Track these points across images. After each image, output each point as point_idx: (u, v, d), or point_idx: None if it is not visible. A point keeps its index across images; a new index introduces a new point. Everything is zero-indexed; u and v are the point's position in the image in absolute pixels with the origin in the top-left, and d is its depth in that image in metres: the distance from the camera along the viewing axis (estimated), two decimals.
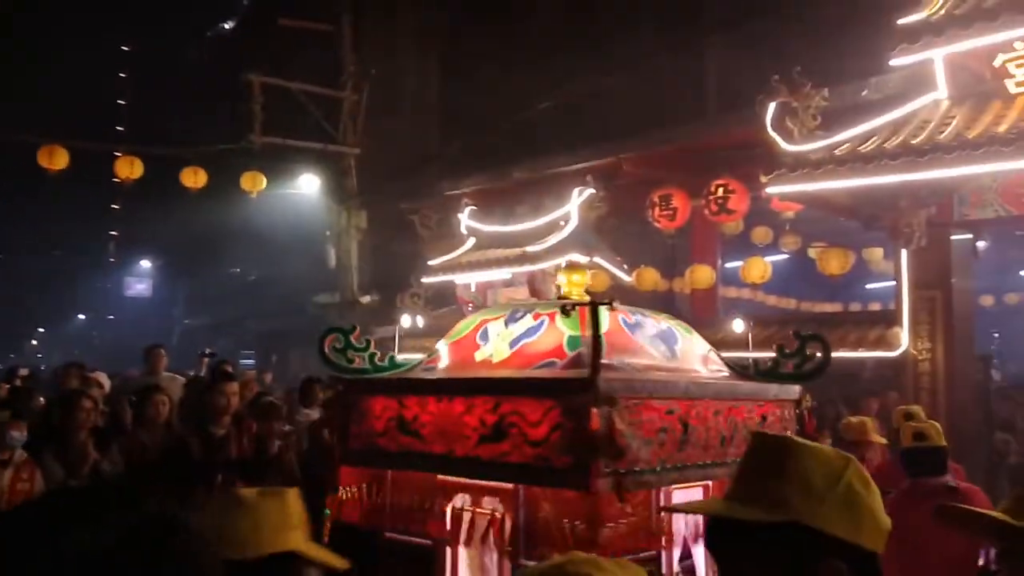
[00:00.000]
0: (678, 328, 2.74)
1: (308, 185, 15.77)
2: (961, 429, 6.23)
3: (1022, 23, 5.49)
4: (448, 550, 2.51)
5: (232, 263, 31.54)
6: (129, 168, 12.38)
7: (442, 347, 2.79)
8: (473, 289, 11.90)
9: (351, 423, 2.69)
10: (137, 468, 4.96)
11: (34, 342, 43.39)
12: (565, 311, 2.34)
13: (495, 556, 2.38)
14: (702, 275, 9.70)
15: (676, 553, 2.40)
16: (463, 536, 2.46)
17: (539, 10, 14.82)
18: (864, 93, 7.13)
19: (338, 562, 1.74)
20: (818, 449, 1.22)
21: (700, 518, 2.32)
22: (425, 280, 12.45)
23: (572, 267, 2.85)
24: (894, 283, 6.92)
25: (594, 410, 2.02)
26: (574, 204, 10.66)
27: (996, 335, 16.67)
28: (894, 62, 6.16)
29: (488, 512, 2.36)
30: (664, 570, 2.30)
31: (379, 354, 2.76)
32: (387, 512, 2.62)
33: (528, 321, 2.54)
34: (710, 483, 2.45)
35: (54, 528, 0.82)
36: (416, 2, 15.96)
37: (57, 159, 11.40)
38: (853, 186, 6.04)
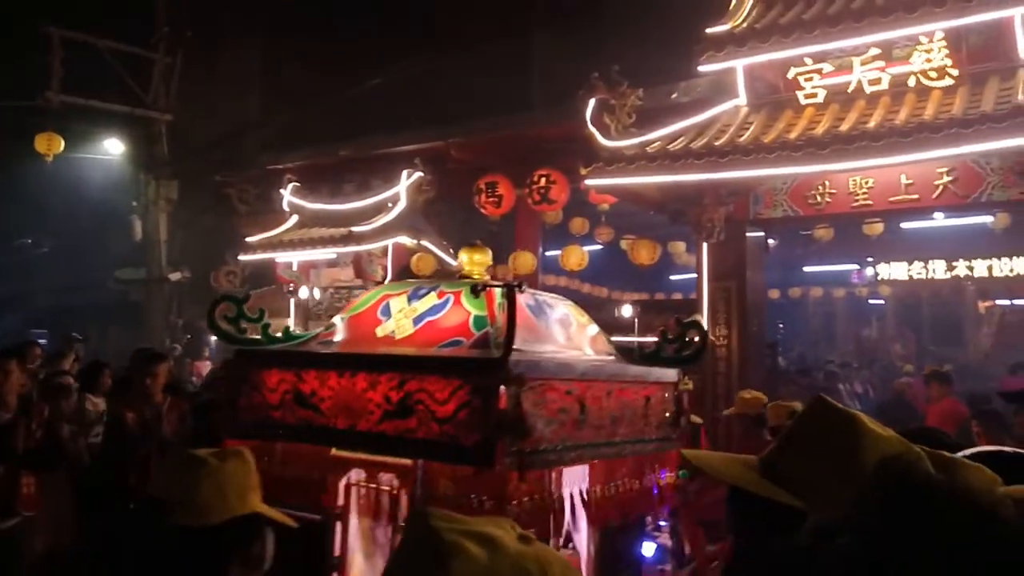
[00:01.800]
0: (573, 312, 2.81)
1: (113, 150, 14.50)
2: None
3: (811, 41, 6.06)
4: (339, 524, 2.53)
5: (21, 232, 28.42)
6: None
7: (338, 321, 2.74)
8: (295, 268, 11.49)
9: (241, 395, 2.60)
10: None
11: None
12: (475, 291, 2.30)
13: (388, 530, 2.43)
14: (525, 261, 9.94)
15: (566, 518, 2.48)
16: (356, 509, 2.48)
17: None
18: (674, 96, 7.59)
19: (289, 521, 1.79)
20: (882, 436, 1.14)
21: (579, 496, 2.48)
22: (242, 258, 11.85)
23: (474, 247, 2.82)
24: (695, 275, 7.43)
25: (502, 390, 2.04)
26: (403, 186, 10.55)
27: (781, 325, 18.45)
28: (702, 68, 6.59)
29: (384, 487, 2.39)
30: (552, 544, 2.32)
31: (273, 325, 2.69)
32: (276, 485, 2.47)
33: (432, 299, 2.52)
34: (590, 464, 2.52)
35: None
36: None
37: None
38: (662, 182, 6.42)
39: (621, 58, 7.67)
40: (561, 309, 2.73)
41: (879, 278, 15.28)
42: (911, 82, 5.99)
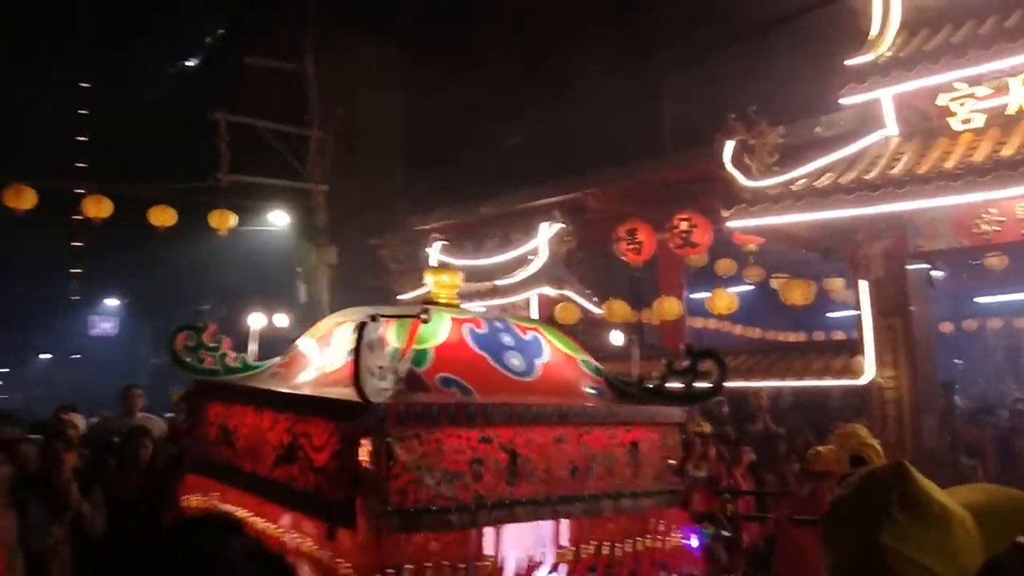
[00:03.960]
0: (551, 340, 2.48)
1: (277, 221, 15.76)
2: (928, 455, 6.38)
3: (960, 65, 5.76)
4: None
5: (201, 300, 31.19)
6: (97, 207, 12.23)
7: (298, 347, 2.59)
8: None
9: (194, 427, 2.54)
10: (120, 512, 4.90)
11: None
12: (369, 319, 1.92)
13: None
14: (669, 307, 9.85)
15: None
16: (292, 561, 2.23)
17: (498, 48, 15.10)
18: (817, 130, 7.38)
19: None
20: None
21: (535, 554, 2.07)
22: None
23: (442, 267, 2.67)
24: (855, 312, 7.09)
25: (363, 440, 1.76)
26: (542, 238, 10.80)
27: (957, 362, 17.05)
28: (843, 101, 6.40)
29: (300, 537, 2.13)
30: None
31: (231, 355, 2.57)
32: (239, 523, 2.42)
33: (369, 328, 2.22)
34: (563, 521, 2.16)
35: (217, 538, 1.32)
36: (379, 41, 16.16)
37: (25, 199, 11.27)
38: (810, 220, 6.23)
39: (754, 95, 7.57)
40: (531, 337, 2.44)
41: None
42: None
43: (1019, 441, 7.82)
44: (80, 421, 7.20)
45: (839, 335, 13.05)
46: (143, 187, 13.96)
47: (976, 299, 15.33)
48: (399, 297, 12.25)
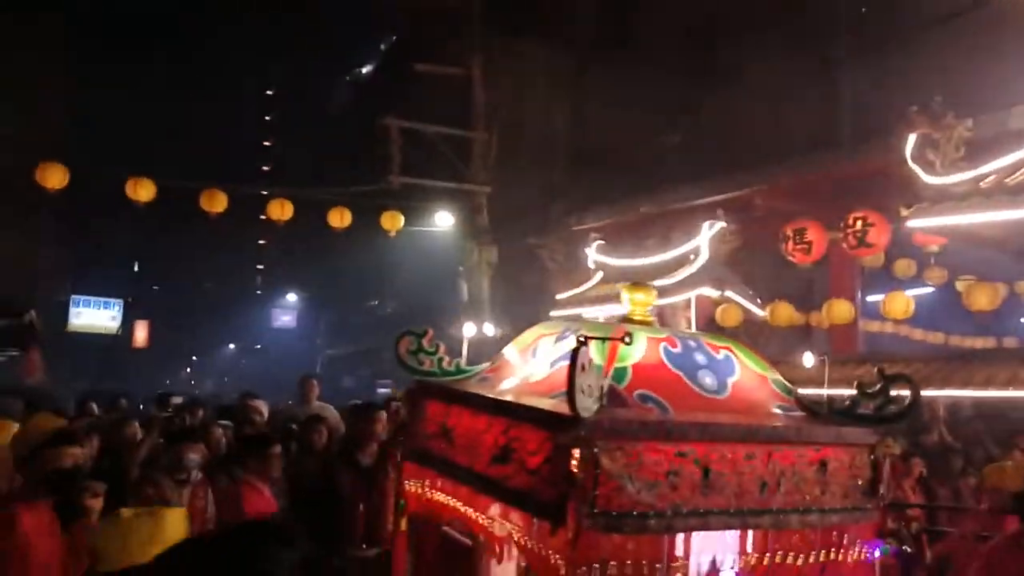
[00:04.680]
0: (742, 359, 2.59)
1: (442, 222, 16.48)
2: None
3: None
4: (484, 553, 2.58)
5: (371, 296, 33.12)
6: (280, 210, 13.32)
7: (507, 354, 2.83)
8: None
9: (413, 422, 2.80)
10: (298, 494, 5.33)
11: (188, 370, 46.45)
12: (581, 342, 2.08)
13: (515, 558, 2.40)
14: (840, 309, 9.41)
15: None
16: (495, 546, 2.48)
17: (665, 43, 14.93)
18: (1008, 123, 6.81)
19: None
20: None
21: (722, 559, 2.25)
22: (553, 313, 12.69)
23: (637, 284, 2.73)
24: None
25: (575, 450, 1.96)
26: (704, 238, 10.62)
27: None
28: None
29: (512, 527, 2.33)
30: None
31: (447, 359, 2.81)
32: (443, 509, 2.66)
33: (571, 342, 2.34)
34: (751, 532, 2.29)
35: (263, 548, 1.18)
36: (543, 43, 16.47)
37: (217, 203, 12.46)
38: (1000, 219, 5.78)
39: (939, 85, 7.08)
40: (724, 356, 2.53)
41: None
42: None
43: None
44: (263, 408, 7.51)
45: None
46: (323, 191, 15.07)
47: None
48: (557, 297, 12.47)
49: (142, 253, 43.09)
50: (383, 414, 6.10)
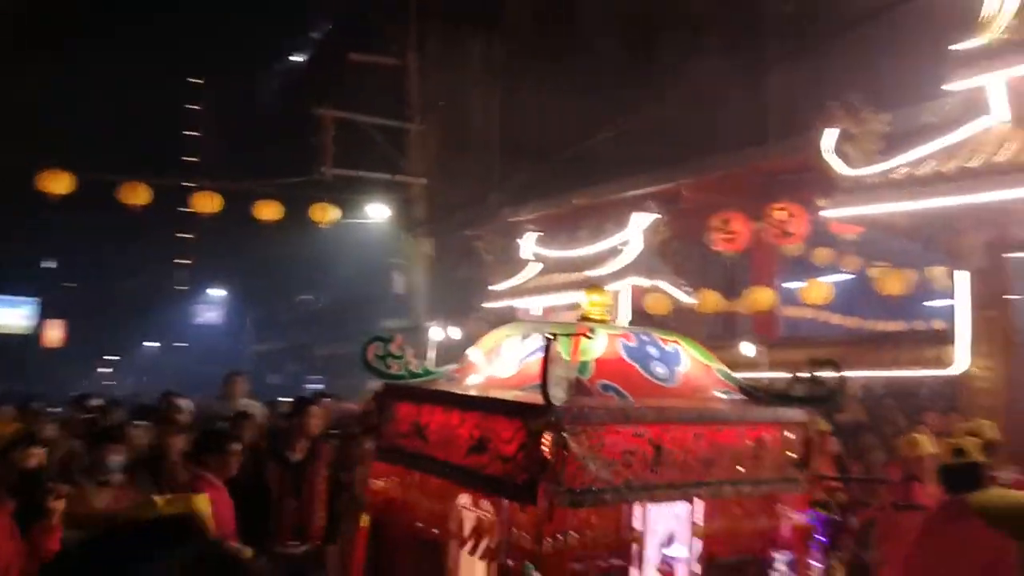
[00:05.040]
0: (688, 350, 2.88)
1: (376, 214, 16.41)
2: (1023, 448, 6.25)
3: None
4: (454, 545, 2.75)
5: (301, 290, 32.59)
6: (209, 203, 12.93)
7: (472, 355, 3.05)
8: (538, 314, 12.25)
9: (384, 423, 2.98)
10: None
11: (108, 369, 44.61)
12: (548, 338, 2.34)
13: (486, 551, 2.59)
14: (762, 297, 9.85)
15: (650, 556, 2.57)
16: (464, 534, 2.69)
17: (602, 38, 15.24)
18: (921, 117, 7.28)
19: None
20: None
21: (676, 527, 2.56)
22: (488, 305, 12.84)
23: (593, 287, 3.00)
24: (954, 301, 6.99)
25: (546, 435, 2.19)
26: (635, 229, 10.94)
27: None
28: (949, 87, 6.32)
29: (483, 512, 2.57)
30: (633, 574, 2.49)
31: (414, 362, 3.00)
32: (409, 505, 2.89)
33: (536, 341, 2.73)
34: (696, 502, 2.61)
35: (133, 557, 1.02)
36: (477, 37, 16.59)
37: (138, 195, 11.97)
38: (910, 209, 6.21)
39: (857, 82, 7.51)
40: (672, 349, 2.82)
41: None
42: None
43: None
44: (186, 406, 7.37)
45: (939, 324, 12.68)
46: (251, 182, 14.75)
47: None
48: (492, 288, 12.61)
49: (57, 249, 41.20)
50: (314, 409, 6.07)
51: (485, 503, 2.53)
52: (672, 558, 2.60)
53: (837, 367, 2.73)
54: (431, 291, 15.72)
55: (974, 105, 6.47)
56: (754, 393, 2.83)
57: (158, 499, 2.60)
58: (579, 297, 11.53)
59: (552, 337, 2.28)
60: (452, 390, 2.80)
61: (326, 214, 13.98)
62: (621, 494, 2.32)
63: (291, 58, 37.62)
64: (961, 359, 6.57)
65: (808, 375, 2.73)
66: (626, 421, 2.36)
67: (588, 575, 2.38)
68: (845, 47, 10.43)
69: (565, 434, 2.19)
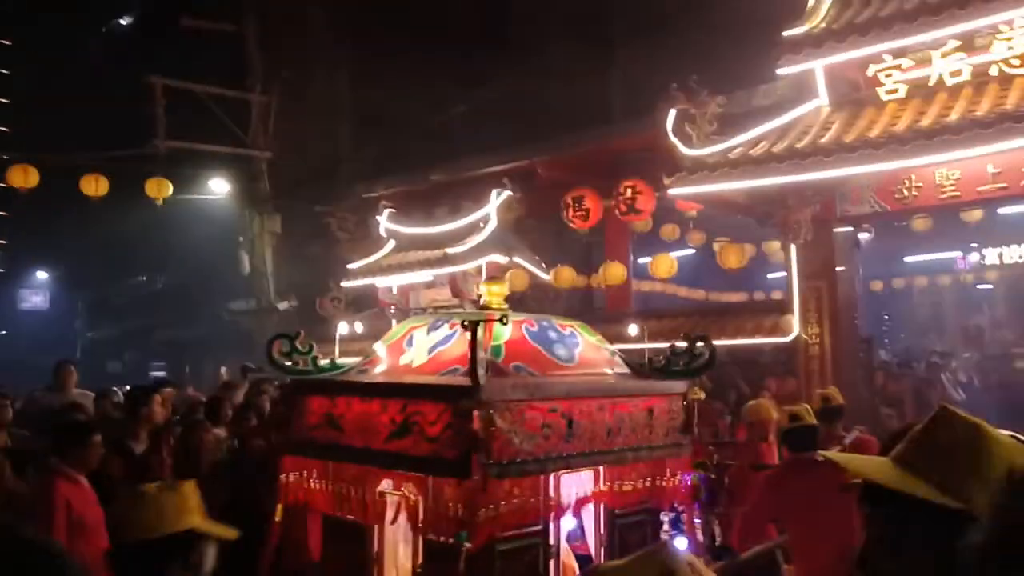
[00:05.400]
0: (582, 333, 3.11)
1: (218, 190, 15.50)
2: (849, 406, 6.85)
3: (889, 38, 6.12)
4: (375, 529, 2.87)
5: (138, 271, 30.46)
6: (23, 177, 11.74)
7: (378, 348, 3.15)
8: (395, 292, 12.06)
9: (293, 417, 3.03)
10: None
11: None
12: (464, 326, 2.55)
13: (411, 534, 2.75)
14: (615, 272, 10.17)
15: (563, 524, 2.81)
16: (388, 517, 2.83)
17: (450, 14, 15.04)
18: (756, 100, 7.71)
19: (228, 533, 2.12)
20: (1005, 444, 1.21)
21: (584, 493, 2.84)
22: (345, 284, 12.51)
23: (492, 279, 3.18)
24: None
25: (475, 413, 2.36)
26: (492, 206, 10.96)
27: (887, 317, 17.96)
28: (780, 71, 6.72)
29: (405, 495, 2.73)
30: (551, 539, 2.71)
31: (320, 357, 3.05)
32: (326, 495, 2.93)
33: (445, 330, 2.91)
34: (600, 468, 2.86)
35: None
36: (322, 2, 15.92)
37: None
38: (745, 187, 6.57)
39: (702, 65, 7.83)
40: (569, 332, 3.06)
41: (984, 264, 14.77)
42: (993, 71, 5.96)
43: (933, 392, 8.41)
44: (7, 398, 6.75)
45: (777, 295, 13.63)
46: (73, 155, 13.53)
47: (905, 259, 16.14)
48: (349, 267, 12.29)
49: None
50: (157, 398, 5.79)
51: (408, 485, 2.67)
52: (579, 527, 2.94)
53: (709, 343, 3.00)
54: (280, 270, 15.09)
55: (803, 89, 6.91)
56: (638, 368, 3.09)
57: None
58: (437, 274, 11.47)
59: (476, 323, 2.49)
60: (367, 380, 2.91)
61: (161, 189, 12.97)
62: (542, 464, 2.55)
63: (118, 21, 34.70)
64: (794, 327, 7.08)
65: (684, 349, 3.00)
66: (542, 397, 2.57)
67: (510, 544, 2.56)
68: (689, 30, 10.88)
69: (492, 411, 2.36)
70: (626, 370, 3.08)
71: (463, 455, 2.36)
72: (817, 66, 6.68)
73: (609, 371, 3.05)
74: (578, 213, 9.83)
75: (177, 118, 14.22)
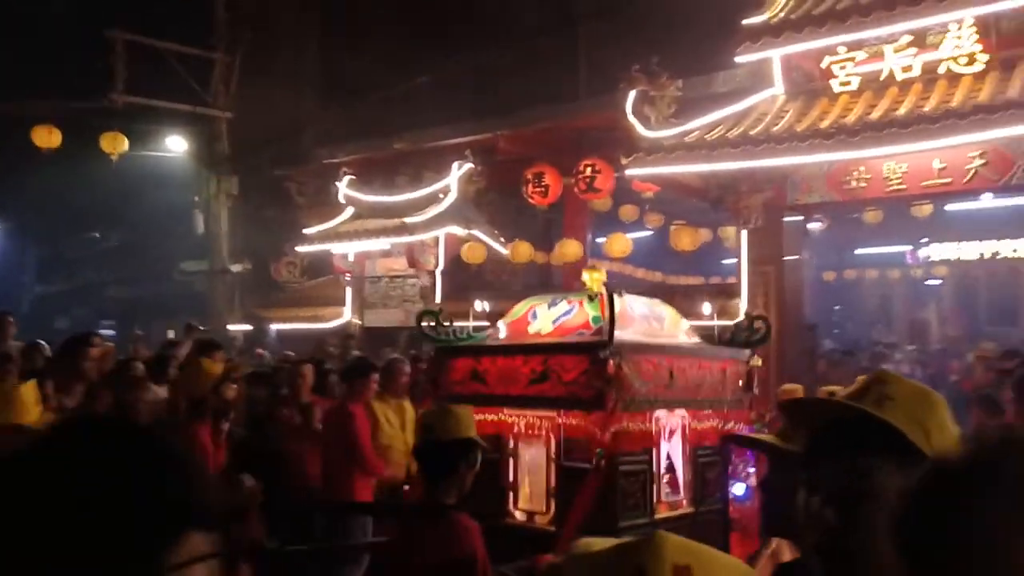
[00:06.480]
0: (665, 310, 3.94)
1: (176, 148, 15.18)
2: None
3: (844, 30, 6.23)
4: (510, 463, 3.69)
5: (91, 227, 29.76)
6: None
7: (501, 325, 3.92)
8: (351, 259, 11.99)
9: (439, 376, 3.85)
10: None
11: None
12: (591, 299, 3.51)
13: (543, 461, 3.58)
14: (571, 249, 10.24)
15: (663, 448, 3.60)
16: (522, 446, 3.67)
17: None
18: (714, 85, 7.79)
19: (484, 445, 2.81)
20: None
21: (671, 429, 3.60)
22: (301, 249, 12.41)
23: (592, 268, 4.11)
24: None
25: (611, 360, 3.15)
26: (454, 177, 10.94)
27: (837, 307, 18.38)
28: (738, 59, 6.80)
29: (539, 429, 3.54)
30: (653, 463, 3.49)
31: (459, 329, 3.97)
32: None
33: (564, 306, 3.70)
34: (686, 410, 3.68)
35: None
36: None
37: None
38: (699, 171, 6.66)
39: (665, 48, 7.87)
40: (658, 307, 3.89)
41: (931, 259, 15.19)
42: (942, 69, 6.12)
43: None
44: None
45: (733, 279, 13.82)
46: (25, 104, 13.14)
47: (856, 251, 16.51)
48: (305, 232, 12.18)
49: None
50: (92, 351, 5.51)
51: (546, 418, 3.47)
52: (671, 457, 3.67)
53: (766, 320, 3.93)
54: (235, 232, 14.87)
55: (761, 77, 7.01)
56: (712, 339, 3.96)
57: None
58: (394, 243, 11.43)
59: (619, 293, 3.46)
60: (511, 343, 3.73)
61: (116, 144, 12.67)
62: (652, 403, 3.33)
63: None
64: (740, 311, 7.22)
65: (746, 325, 3.87)
66: (653, 353, 3.39)
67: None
68: (653, 12, 10.90)
69: (620, 360, 3.16)
70: (697, 339, 3.89)
71: (598, 393, 3.14)
72: (774, 55, 6.78)
73: (685, 338, 3.80)
74: (537, 189, 9.87)
75: (137, 73, 13.87)
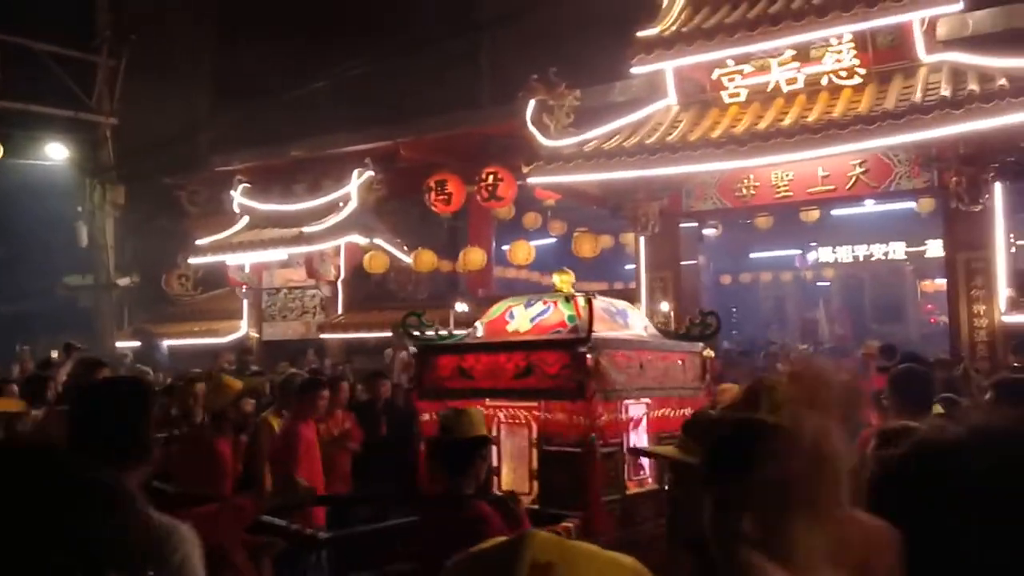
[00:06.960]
0: (629, 309, 4.23)
1: (55, 155, 14.28)
2: None
3: (733, 44, 6.43)
4: (494, 447, 3.75)
5: None
6: None
7: (479, 325, 4.12)
8: (247, 270, 11.57)
9: (424, 373, 4.00)
10: None
11: None
12: (566, 299, 3.80)
13: (526, 446, 3.77)
14: (475, 257, 10.19)
15: (632, 435, 3.86)
16: (504, 435, 3.85)
17: None
18: (612, 95, 7.90)
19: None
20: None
21: (638, 417, 3.86)
22: (193, 261, 11.89)
23: (563, 272, 4.24)
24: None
25: (589, 356, 3.39)
26: (353, 186, 10.72)
27: (734, 309, 19.04)
28: (634, 70, 6.92)
29: (522, 418, 3.75)
30: (625, 447, 3.72)
31: (441, 329, 4.21)
32: None
33: (540, 306, 3.92)
34: (651, 398, 3.90)
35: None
36: None
37: None
38: (597, 179, 6.73)
39: (565, 58, 7.93)
40: (623, 307, 4.17)
41: (819, 262, 15.93)
42: (824, 81, 6.40)
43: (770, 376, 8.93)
44: None
45: (633, 285, 14.10)
46: None
47: (751, 255, 17.16)
48: (197, 243, 11.68)
49: None
50: None
51: (529, 409, 3.69)
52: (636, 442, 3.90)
53: (717, 317, 4.25)
54: (122, 244, 14.11)
55: (656, 87, 7.14)
56: (669, 333, 4.41)
57: None
58: (292, 253, 11.08)
59: (594, 296, 3.76)
60: (493, 340, 3.95)
61: None
62: (627, 393, 3.62)
63: None
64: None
65: (700, 321, 4.20)
66: (624, 348, 3.68)
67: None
68: (554, 22, 10.99)
69: (597, 355, 3.42)
70: (657, 334, 4.21)
71: (579, 384, 3.40)
72: (668, 67, 6.93)
73: (645, 334, 4.08)
74: (440, 197, 9.78)
75: (12, 77, 13.00)
